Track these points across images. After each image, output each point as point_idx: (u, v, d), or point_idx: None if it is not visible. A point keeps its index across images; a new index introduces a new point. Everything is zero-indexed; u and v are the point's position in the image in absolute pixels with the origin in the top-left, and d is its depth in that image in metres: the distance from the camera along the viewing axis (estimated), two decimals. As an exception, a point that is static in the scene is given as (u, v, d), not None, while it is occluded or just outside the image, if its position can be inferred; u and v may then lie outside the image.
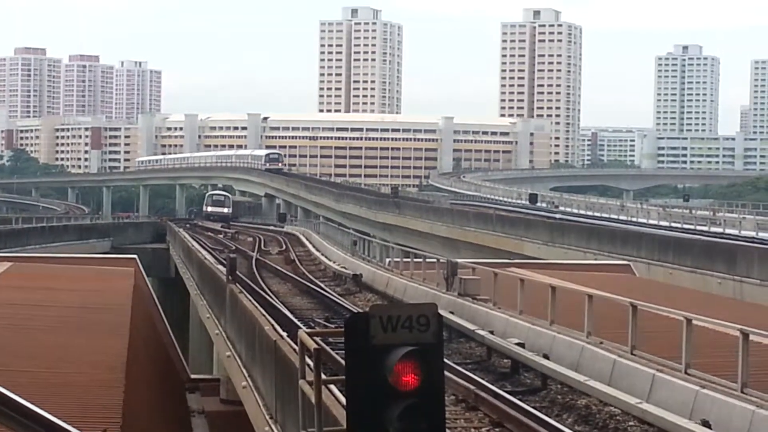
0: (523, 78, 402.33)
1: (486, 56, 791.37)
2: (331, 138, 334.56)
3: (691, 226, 78.49)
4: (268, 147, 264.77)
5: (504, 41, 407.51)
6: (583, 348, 23.56)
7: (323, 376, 9.37)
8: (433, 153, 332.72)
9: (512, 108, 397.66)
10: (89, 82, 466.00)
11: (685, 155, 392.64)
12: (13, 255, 55.67)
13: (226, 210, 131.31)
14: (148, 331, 36.40)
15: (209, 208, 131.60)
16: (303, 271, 55.32)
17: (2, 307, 28.73)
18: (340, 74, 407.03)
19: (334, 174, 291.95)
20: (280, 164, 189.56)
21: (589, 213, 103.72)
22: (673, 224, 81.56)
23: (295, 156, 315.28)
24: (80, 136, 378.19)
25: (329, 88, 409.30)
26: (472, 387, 20.85)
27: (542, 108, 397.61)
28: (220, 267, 40.58)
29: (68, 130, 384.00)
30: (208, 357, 48.46)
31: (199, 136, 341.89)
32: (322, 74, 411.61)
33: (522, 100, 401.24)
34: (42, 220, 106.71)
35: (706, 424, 16.89)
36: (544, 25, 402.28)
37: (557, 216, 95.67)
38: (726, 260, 48.24)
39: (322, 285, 46.21)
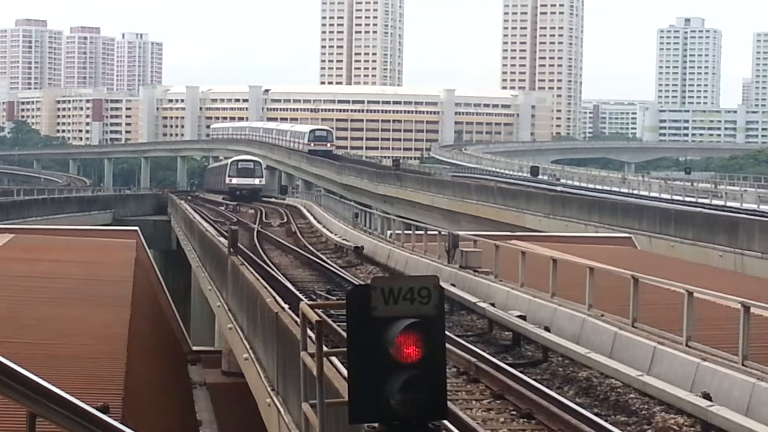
0: (524, 50, 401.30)
1: (488, 28, 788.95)
2: (333, 110, 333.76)
3: (693, 199, 78.36)
4: (270, 119, 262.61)
5: (506, 13, 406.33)
6: (584, 320, 23.59)
7: (325, 348, 9.36)
8: (435, 125, 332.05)
9: (514, 80, 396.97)
10: (90, 54, 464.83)
11: (686, 128, 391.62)
12: (15, 227, 55.71)
13: (257, 181, 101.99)
14: (150, 303, 36.42)
15: (234, 180, 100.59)
16: (304, 243, 55.35)
17: (3, 279, 28.74)
18: (341, 46, 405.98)
19: (336, 146, 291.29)
20: (328, 144, 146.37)
21: (591, 186, 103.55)
22: (675, 197, 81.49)
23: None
24: (81, 108, 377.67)
25: (330, 60, 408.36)
26: (473, 359, 20.89)
27: (544, 80, 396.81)
28: (222, 239, 40.56)
29: (69, 101, 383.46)
30: (210, 329, 48.54)
31: (201, 108, 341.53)
32: (323, 46, 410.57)
33: (524, 73, 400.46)
34: (43, 192, 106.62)
35: (707, 396, 16.92)
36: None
37: (558, 188, 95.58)
38: (727, 233, 48.20)
39: (324, 257, 46.28)
